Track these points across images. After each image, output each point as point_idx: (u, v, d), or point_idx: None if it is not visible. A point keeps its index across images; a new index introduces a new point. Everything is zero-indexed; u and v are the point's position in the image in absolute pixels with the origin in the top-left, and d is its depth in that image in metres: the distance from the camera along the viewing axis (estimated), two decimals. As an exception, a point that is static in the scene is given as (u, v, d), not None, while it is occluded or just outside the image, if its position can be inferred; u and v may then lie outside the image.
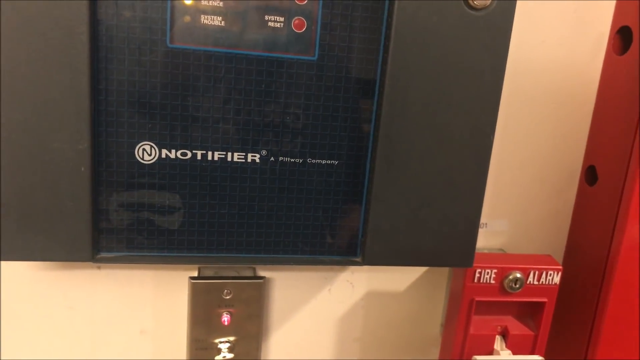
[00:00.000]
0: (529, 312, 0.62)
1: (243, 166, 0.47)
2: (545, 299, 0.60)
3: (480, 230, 0.67)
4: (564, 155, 0.66)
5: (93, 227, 0.45)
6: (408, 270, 0.67)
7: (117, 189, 0.45)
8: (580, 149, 0.66)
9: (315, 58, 0.46)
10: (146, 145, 0.45)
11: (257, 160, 0.47)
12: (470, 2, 0.46)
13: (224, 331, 0.60)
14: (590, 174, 0.65)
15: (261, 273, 0.62)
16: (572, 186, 0.67)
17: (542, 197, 0.67)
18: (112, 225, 0.46)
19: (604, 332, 0.60)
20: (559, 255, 0.68)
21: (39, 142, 0.42)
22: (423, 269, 0.67)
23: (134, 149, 0.45)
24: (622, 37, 0.62)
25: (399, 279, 0.67)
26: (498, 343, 0.61)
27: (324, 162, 0.48)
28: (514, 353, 0.61)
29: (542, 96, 0.64)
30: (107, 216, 0.46)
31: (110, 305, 0.62)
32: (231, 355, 0.60)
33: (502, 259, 0.60)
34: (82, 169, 0.43)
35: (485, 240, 0.67)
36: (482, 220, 0.66)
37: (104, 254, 0.47)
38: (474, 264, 0.57)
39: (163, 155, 0.46)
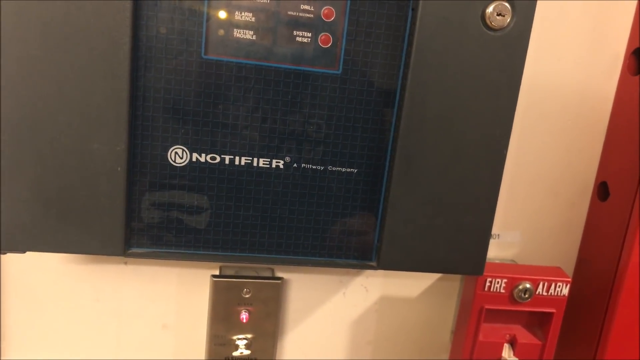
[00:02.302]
0: (537, 322, 0.64)
1: (268, 171, 0.50)
2: (553, 310, 0.62)
3: (492, 241, 0.69)
4: (577, 170, 0.68)
5: (126, 224, 0.48)
6: (421, 277, 0.69)
7: (149, 189, 0.49)
8: (593, 165, 0.68)
9: (339, 72, 0.49)
10: (178, 149, 0.48)
11: (281, 166, 0.50)
12: (488, 22, 0.48)
13: (242, 328, 0.63)
14: (602, 190, 0.67)
15: (279, 274, 0.65)
16: (584, 201, 0.69)
17: (554, 210, 0.69)
18: (143, 223, 0.49)
19: (611, 344, 0.61)
20: (570, 268, 0.70)
21: (80, 143, 0.45)
22: (436, 276, 0.69)
23: (167, 152, 0.48)
24: (637, 57, 0.64)
25: (412, 285, 0.69)
26: (506, 351, 0.63)
27: (344, 170, 0.51)
28: (522, 361, 0.63)
29: (558, 112, 0.66)
30: (139, 214, 0.49)
31: (135, 299, 0.65)
32: (248, 352, 0.63)
33: (512, 270, 0.62)
34: (119, 169, 0.46)
35: (497, 251, 0.69)
36: (495, 231, 0.68)
37: (134, 250, 0.50)
38: (485, 273, 0.59)
39: (194, 159, 0.49)
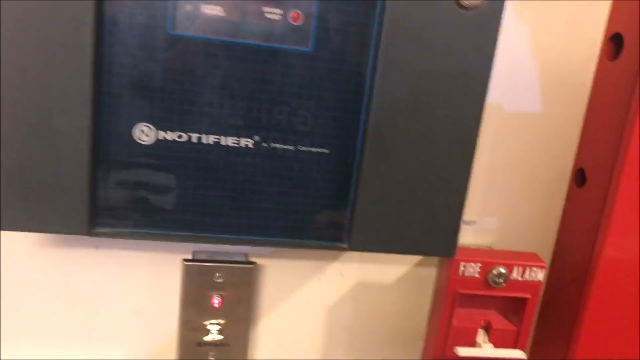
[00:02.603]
0: (512, 307, 0.63)
1: (236, 150, 0.49)
2: (528, 295, 0.61)
3: (469, 227, 0.68)
4: (555, 157, 0.68)
5: (90, 202, 0.47)
6: (398, 263, 0.68)
7: (114, 167, 0.48)
8: (571, 151, 0.68)
9: (310, 49, 0.48)
10: (144, 127, 0.47)
11: (251, 146, 0.49)
12: (461, 1, 0.48)
13: (214, 313, 0.62)
14: (579, 176, 0.67)
15: (253, 259, 0.64)
16: (562, 188, 0.69)
17: (532, 197, 0.69)
18: (109, 202, 0.48)
19: (585, 330, 0.61)
20: (548, 255, 0.70)
21: (41, 118, 0.44)
22: (412, 262, 0.69)
23: (132, 130, 0.47)
24: (614, 43, 0.63)
25: (388, 271, 0.69)
26: (481, 336, 0.62)
27: (315, 150, 0.50)
28: (496, 347, 0.62)
29: (535, 99, 0.65)
30: (104, 193, 0.48)
31: (107, 284, 0.64)
32: (220, 337, 0.62)
33: (487, 254, 0.61)
34: (82, 146, 0.45)
35: (474, 238, 0.69)
36: (472, 217, 0.68)
37: (100, 229, 0.49)
38: (459, 258, 0.59)
39: (160, 137, 0.48)
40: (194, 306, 0.61)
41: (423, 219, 0.52)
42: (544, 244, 0.70)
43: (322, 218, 0.52)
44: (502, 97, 0.65)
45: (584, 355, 0.62)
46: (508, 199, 0.68)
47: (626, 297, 0.60)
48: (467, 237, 0.68)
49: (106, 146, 0.47)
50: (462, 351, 0.60)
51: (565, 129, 0.67)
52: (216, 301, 0.61)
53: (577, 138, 0.67)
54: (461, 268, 0.60)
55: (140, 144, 0.47)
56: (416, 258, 0.68)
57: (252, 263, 0.62)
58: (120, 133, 0.47)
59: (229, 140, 0.49)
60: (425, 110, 0.49)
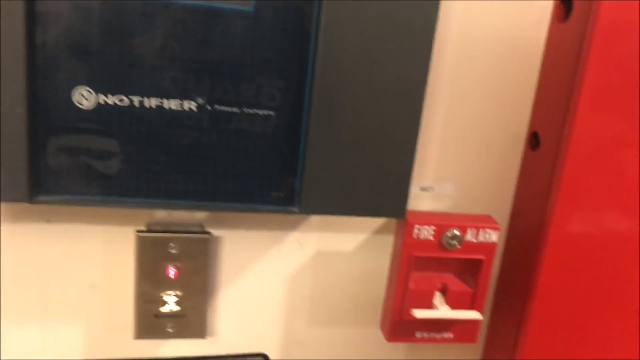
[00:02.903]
0: (468, 269, 0.64)
1: (180, 114, 0.48)
2: (483, 257, 0.62)
3: (426, 193, 0.69)
4: (509, 121, 0.68)
5: (30, 169, 0.46)
6: (356, 231, 0.69)
7: (54, 133, 0.47)
8: (525, 114, 0.68)
9: (252, 9, 0.48)
10: (83, 90, 0.46)
11: (194, 108, 0.48)
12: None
13: (170, 285, 0.62)
14: (533, 140, 0.67)
15: (209, 230, 0.64)
16: (517, 151, 0.69)
17: (487, 161, 0.69)
18: (51, 169, 0.47)
19: (540, 290, 0.62)
20: (504, 219, 0.70)
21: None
22: (371, 229, 0.69)
23: (71, 93, 0.46)
24: (564, 4, 0.63)
25: (347, 239, 0.69)
26: (437, 299, 0.63)
27: (261, 112, 0.50)
28: (453, 309, 0.63)
29: (488, 64, 0.65)
30: (45, 159, 0.47)
31: (61, 259, 0.63)
32: (178, 308, 0.62)
33: (441, 217, 0.62)
34: (18, 109, 0.44)
35: (431, 203, 0.69)
36: (428, 183, 0.68)
37: (42, 197, 0.48)
38: (414, 221, 0.59)
39: (101, 101, 0.47)
40: (149, 278, 0.61)
41: (373, 181, 0.52)
42: (501, 208, 0.71)
43: (272, 182, 0.52)
44: (454, 62, 0.65)
45: (540, 315, 0.63)
46: (464, 164, 0.69)
47: (579, 257, 0.61)
48: (424, 203, 0.69)
49: (45, 110, 0.46)
50: (419, 313, 0.61)
51: (520, 92, 0.68)
52: (172, 272, 0.61)
53: (531, 102, 0.68)
54: (415, 231, 0.60)
55: (80, 108, 0.47)
56: (374, 225, 0.68)
57: (207, 233, 0.62)
58: (59, 97, 0.46)
59: (171, 104, 0.48)
60: (371, 69, 0.49)
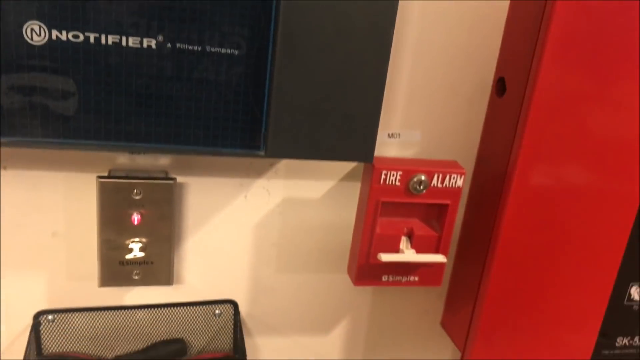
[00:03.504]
0: (434, 214, 0.65)
1: (139, 52, 0.46)
2: (448, 202, 0.63)
3: (393, 140, 0.69)
4: (476, 67, 0.68)
5: (-19, 109, 0.44)
6: (323, 179, 0.68)
7: (5, 71, 0.44)
8: (492, 61, 0.68)
9: (213, -59, 0.45)
10: (35, 25, 0.44)
11: (153, 46, 0.46)
12: None
13: (135, 232, 0.61)
14: (500, 86, 0.67)
15: (174, 176, 0.63)
16: (483, 98, 0.69)
17: (454, 108, 0.69)
18: (3, 109, 0.45)
19: (502, 237, 0.63)
20: (470, 165, 0.71)
21: None
22: (338, 177, 0.69)
23: (22, 29, 0.44)
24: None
25: (314, 186, 0.69)
26: (404, 243, 0.64)
27: (224, 50, 0.48)
28: (419, 253, 0.64)
29: (455, 10, 0.65)
30: (-3, 101, 0.45)
31: (20, 208, 0.61)
32: (142, 254, 0.61)
33: (408, 163, 0.62)
34: (-36, 44, 0.42)
35: (398, 151, 0.69)
36: (395, 130, 0.68)
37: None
38: (380, 166, 0.59)
39: (54, 37, 0.44)
40: (112, 225, 0.60)
41: (340, 124, 0.52)
42: (467, 154, 0.71)
43: (236, 125, 0.51)
44: (422, 7, 0.63)
45: (501, 260, 0.64)
46: (431, 111, 0.69)
47: (541, 204, 0.62)
48: (391, 150, 0.69)
49: (-6, 50, 0.43)
50: (385, 257, 0.62)
51: (486, 39, 0.67)
52: (136, 219, 0.60)
53: (498, 48, 0.67)
54: (382, 176, 0.60)
55: (32, 44, 0.44)
56: (341, 172, 0.68)
57: (172, 179, 0.61)
58: (9, 32, 0.44)
59: (130, 41, 0.46)
60: (338, 7, 0.48)
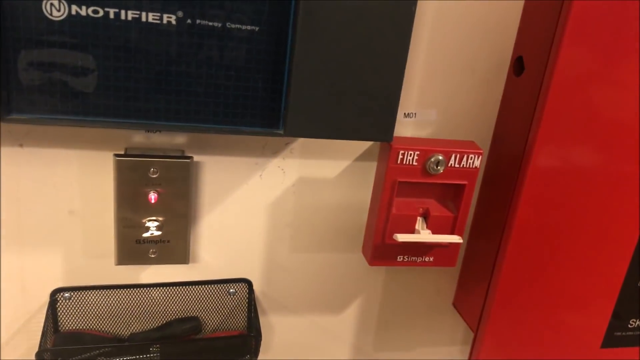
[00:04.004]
0: (450, 194, 0.64)
1: (158, 28, 0.46)
2: (465, 182, 0.62)
3: (409, 120, 0.68)
4: (494, 46, 0.67)
5: (1, 84, 0.43)
6: (339, 158, 0.68)
7: (25, 47, 0.44)
8: (510, 40, 0.67)
9: None
10: (54, 0, 0.43)
11: (173, 22, 0.46)
12: None
13: (151, 210, 0.61)
14: (518, 65, 0.66)
15: (190, 155, 0.62)
16: (500, 77, 0.68)
17: (471, 87, 0.68)
18: (23, 86, 0.45)
19: (518, 218, 0.63)
20: (486, 145, 0.70)
21: None
22: (353, 156, 0.68)
23: (41, 3, 0.43)
24: None
25: (330, 166, 0.68)
26: (419, 223, 0.64)
27: (244, 27, 0.47)
28: (434, 233, 0.64)
29: (476, -15, 0.64)
30: (15, 75, 0.45)
31: (37, 186, 0.61)
32: (159, 233, 0.61)
33: (425, 143, 0.62)
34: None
35: (414, 130, 0.69)
36: (411, 110, 0.67)
37: (15, 115, 0.46)
38: (398, 146, 0.59)
39: (73, 12, 0.44)
40: (129, 203, 0.60)
41: (359, 103, 0.51)
42: (483, 134, 0.71)
43: (255, 103, 0.51)
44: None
45: (517, 242, 0.64)
46: (447, 90, 0.68)
47: (557, 185, 0.62)
48: (407, 129, 0.68)
49: (13, 22, 0.43)
50: (401, 237, 0.62)
51: (505, 17, 0.66)
52: (152, 197, 0.60)
53: (517, 26, 0.66)
54: (399, 156, 0.60)
55: (51, 19, 0.44)
56: (356, 152, 0.68)
57: (188, 157, 0.60)
58: (28, 7, 0.43)
59: (149, 16, 0.45)
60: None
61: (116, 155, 0.58)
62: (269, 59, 0.49)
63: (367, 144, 0.67)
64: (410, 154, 0.60)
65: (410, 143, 0.60)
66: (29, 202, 0.61)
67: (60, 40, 0.44)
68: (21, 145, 0.59)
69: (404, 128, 0.68)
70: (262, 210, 0.69)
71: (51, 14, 0.43)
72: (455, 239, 0.63)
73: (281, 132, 0.51)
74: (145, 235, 0.61)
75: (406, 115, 0.68)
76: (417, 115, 0.68)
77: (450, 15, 0.64)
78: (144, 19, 0.45)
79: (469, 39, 0.66)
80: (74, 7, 0.44)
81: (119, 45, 0.45)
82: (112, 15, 0.44)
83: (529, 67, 0.64)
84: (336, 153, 0.68)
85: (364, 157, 0.69)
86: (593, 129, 0.61)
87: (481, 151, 0.62)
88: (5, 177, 0.60)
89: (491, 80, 0.69)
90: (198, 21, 0.46)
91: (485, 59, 0.67)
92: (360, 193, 0.70)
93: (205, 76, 0.48)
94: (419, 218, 0.64)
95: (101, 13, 0.44)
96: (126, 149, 0.61)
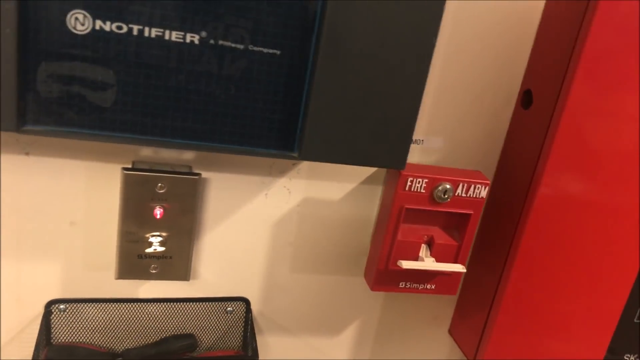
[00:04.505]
0: (455, 223, 0.65)
1: (181, 47, 0.46)
2: (471, 211, 0.63)
3: (416, 146, 0.68)
4: (503, 78, 0.68)
5: (19, 95, 0.43)
6: (344, 180, 0.68)
7: (46, 59, 0.43)
8: (519, 73, 0.68)
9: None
10: (79, 14, 0.43)
11: (196, 42, 0.46)
12: None
13: (156, 225, 0.60)
14: (526, 98, 0.67)
15: (197, 171, 0.62)
16: (508, 108, 0.69)
17: (479, 118, 0.69)
18: (41, 97, 0.45)
19: (523, 245, 0.63)
20: (489, 174, 0.71)
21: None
22: (359, 179, 0.68)
23: (66, 17, 0.43)
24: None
25: (335, 187, 0.68)
26: (423, 251, 0.64)
27: (266, 50, 0.47)
28: (438, 261, 0.64)
29: (486, 19, 0.64)
30: (34, 86, 0.44)
31: (39, 194, 0.60)
32: (162, 249, 0.61)
33: (434, 171, 0.62)
34: (7, 30, 0.41)
35: (420, 157, 0.69)
36: (419, 136, 0.68)
37: (30, 127, 0.45)
38: (406, 173, 0.59)
39: (97, 27, 0.44)
40: (134, 217, 0.59)
41: (376, 130, 0.52)
42: (488, 164, 0.71)
43: (272, 125, 0.51)
44: (452, 16, 0.63)
45: (521, 271, 0.64)
46: (455, 118, 0.69)
47: (563, 213, 0.62)
48: (414, 155, 0.69)
49: (36, 34, 0.43)
50: (406, 264, 0.62)
51: (515, 50, 0.67)
52: (158, 212, 0.59)
53: (526, 60, 0.67)
54: (408, 183, 0.60)
55: (75, 33, 0.43)
56: (363, 175, 0.68)
57: (196, 174, 0.60)
58: (52, 20, 0.43)
59: (173, 35, 0.45)
60: (382, 15, 0.47)
61: (124, 169, 0.57)
62: (288, 82, 0.49)
63: (373, 167, 0.68)
64: (419, 182, 0.60)
65: (419, 170, 0.61)
66: (30, 211, 0.60)
67: (82, 55, 0.44)
68: (27, 154, 0.58)
69: (410, 154, 0.68)
70: (265, 228, 0.68)
71: (75, 28, 0.43)
72: (458, 268, 0.63)
73: (296, 155, 0.51)
74: (148, 250, 0.60)
75: (414, 142, 0.68)
76: (424, 142, 0.69)
77: (459, 47, 0.65)
78: (167, 37, 0.45)
79: (478, 70, 0.67)
80: (99, 22, 0.43)
81: (140, 62, 0.45)
82: (135, 32, 0.44)
83: (537, 101, 0.65)
84: (343, 175, 0.68)
85: (370, 180, 0.69)
86: (599, 162, 0.61)
87: (488, 182, 0.62)
88: (7, 185, 0.58)
89: (499, 111, 0.69)
90: (221, 42, 0.46)
91: (494, 91, 0.68)
92: (364, 216, 0.70)
93: (224, 96, 0.48)
94: (423, 245, 0.64)
95: (125, 29, 0.44)
96: (134, 162, 0.60)
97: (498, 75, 0.68)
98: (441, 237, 0.64)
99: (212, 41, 0.46)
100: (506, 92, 0.69)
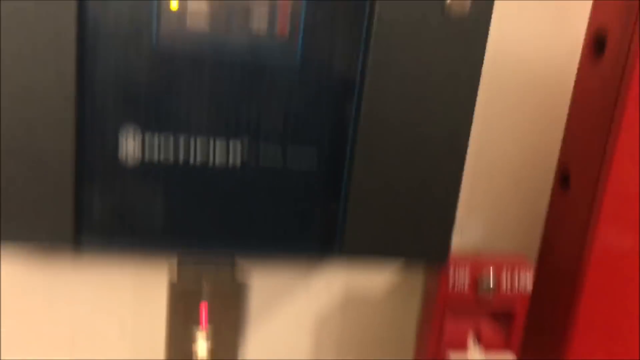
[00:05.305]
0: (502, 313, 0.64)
1: (224, 171, 0.48)
2: (516, 309, 0.61)
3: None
4: (538, 158, 0.68)
5: (76, 218, 0.46)
6: (385, 272, 0.68)
7: (99, 186, 0.46)
8: (555, 152, 0.67)
9: (298, 62, 0.47)
10: (130, 148, 0.46)
11: (238, 165, 0.48)
12: (448, 9, 0.47)
13: (202, 334, 0.61)
14: (563, 178, 0.66)
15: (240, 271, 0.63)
16: (545, 190, 0.68)
17: (516, 200, 0.69)
18: (94, 219, 0.47)
19: (577, 335, 0.61)
20: (532, 255, 0.70)
21: (28, 135, 0.43)
22: (400, 270, 0.68)
23: (118, 151, 0.46)
24: (596, 41, 0.62)
25: (376, 280, 0.68)
26: (472, 341, 0.63)
27: (303, 168, 0.49)
28: (487, 351, 0.62)
29: (519, 100, 0.65)
30: (89, 210, 0.47)
31: (90, 305, 0.62)
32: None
33: (476, 263, 0.61)
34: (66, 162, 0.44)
35: (458, 239, 0.68)
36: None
37: (85, 237, 0.47)
38: (451, 266, 0.59)
39: (146, 159, 0.46)
40: (181, 328, 0.60)
41: (416, 223, 0.52)
42: (529, 247, 0.70)
43: (314, 225, 0.52)
44: (485, 99, 0.64)
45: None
46: (493, 202, 0.68)
47: (617, 297, 0.60)
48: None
49: (91, 166, 0.46)
50: (454, 356, 0.61)
51: (549, 129, 0.67)
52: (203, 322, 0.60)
53: (561, 139, 0.67)
54: (451, 281, 0.59)
55: (125, 164, 0.46)
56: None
57: (242, 284, 0.61)
58: (105, 154, 0.45)
59: (216, 161, 0.47)
60: (415, 115, 0.49)
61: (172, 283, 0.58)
62: (326, 193, 0.50)
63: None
64: (461, 275, 0.60)
65: (462, 262, 0.60)
66: (82, 318, 0.62)
67: (133, 182, 0.46)
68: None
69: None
70: (307, 325, 0.68)
71: (126, 160, 0.46)
72: (509, 357, 0.62)
73: (337, 252, 0.52)
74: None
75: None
76: (463, 227, 0.68)
77: (494, 130, 0.65)
78: (210, 163, 0.47)
79: (513, 152, 0.67)
80: (147, 154, 0.46)
81: (185, 187, 0.47)
82: (181, 161, 0.47)
83: (575, 181, 0.64)
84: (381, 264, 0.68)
85: (410, 274, 0.68)
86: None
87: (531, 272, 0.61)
88: (62, 298, 0.60)
89: (536, 193, 0.69)
90: (262, 164, 0.48)
91: (529, 173, 0.68)
92: (406, 308, 0.70)
93: (265, 212, 0.50)
94: (471, 335, 0.63)
95: (172, 159, 0.46)
96: (179, 270, 0.61)
97: (533, 155, 0.68)
98: (489, 328, 0.63)
99: (252, 164, 0.48)
100: (543, 173, 0.68)
